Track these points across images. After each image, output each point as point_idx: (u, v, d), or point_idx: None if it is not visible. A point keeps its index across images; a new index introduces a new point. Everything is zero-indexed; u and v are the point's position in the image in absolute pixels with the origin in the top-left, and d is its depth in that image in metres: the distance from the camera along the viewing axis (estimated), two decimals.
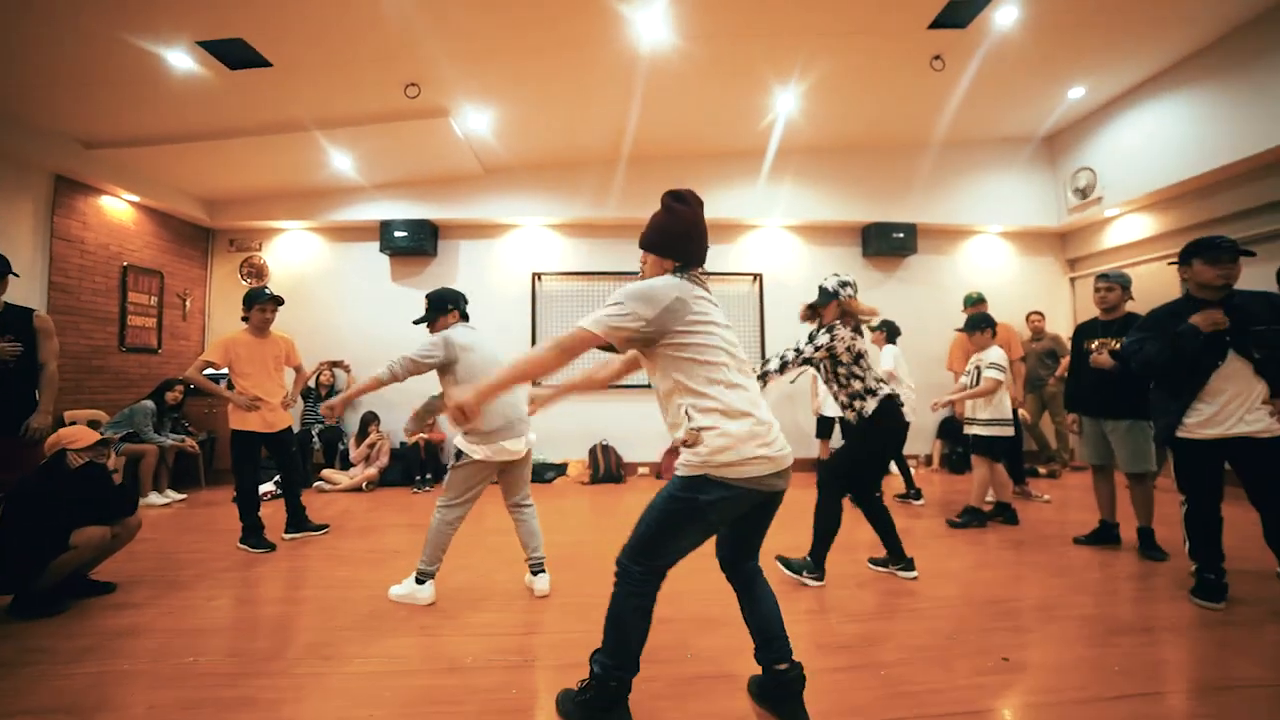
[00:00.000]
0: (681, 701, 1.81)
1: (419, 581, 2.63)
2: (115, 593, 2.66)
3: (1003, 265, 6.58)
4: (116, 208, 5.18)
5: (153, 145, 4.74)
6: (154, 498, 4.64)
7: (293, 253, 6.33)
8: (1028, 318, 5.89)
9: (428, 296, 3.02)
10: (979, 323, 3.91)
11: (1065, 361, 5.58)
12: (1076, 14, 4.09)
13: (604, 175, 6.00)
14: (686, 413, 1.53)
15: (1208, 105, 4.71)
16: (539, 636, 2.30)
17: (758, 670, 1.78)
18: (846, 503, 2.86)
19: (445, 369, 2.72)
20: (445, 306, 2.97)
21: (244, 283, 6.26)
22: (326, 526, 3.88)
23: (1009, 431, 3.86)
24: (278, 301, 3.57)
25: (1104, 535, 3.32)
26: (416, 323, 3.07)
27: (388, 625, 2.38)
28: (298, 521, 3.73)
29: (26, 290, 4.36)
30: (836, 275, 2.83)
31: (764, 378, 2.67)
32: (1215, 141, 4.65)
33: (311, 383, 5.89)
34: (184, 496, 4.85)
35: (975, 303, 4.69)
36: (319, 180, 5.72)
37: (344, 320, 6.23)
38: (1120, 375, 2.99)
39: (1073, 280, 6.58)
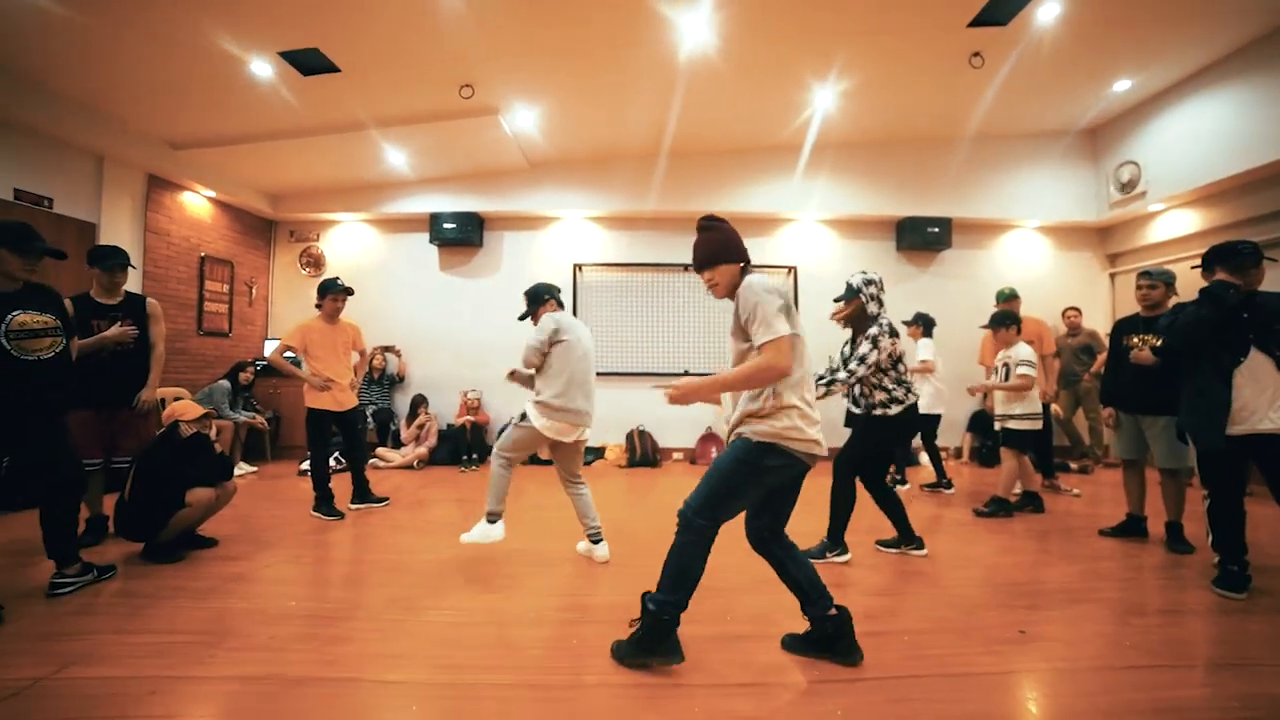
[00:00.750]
0: (725, 652, 2.04)
1: (490, 521, 2.93)
2: (218, 547, 3.04)
3: (1039, 260, 6.55)
4: (195, 203, 5.62)
5: (227, 145, 5.13)
6: None
7: (347, 243, 6.72)
8: (1064, 313, 5.88)
9: (526, 293, 3.22)
10: (1002, 320, 4.01)
11: (1102, 357, 5.58)
12: (1123, 7, 4.08)
13: (643, 170, 6.19)
14: (775, 390, 1.78)
15: (1257, 99, 4.63)
16: (589, 597, 2.55)
17: (792, 628, 2.00)
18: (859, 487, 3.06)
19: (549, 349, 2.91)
20: (543, 298, 3.18)
21: (303, 272, 6.68)
22: (387, 499, 4.22)
23: (1038, 425, 3.94)
24: (348, 292, 3.90)
25: (1131, 528, 3.40)
26: (521, 318, 3.30)
27: (452, 584, 2.67)
28: (362, 493, 4.07)
29: (129, 281, 4.81)
30: (864, 273, 2.98)
31: (828, 390, 2.89)
32: (1264, 136, 4.58)
33: (366, 367, 6.28)
34: (255, 469, 5.30)
35: (1007, 299, 4.73)
36: (373, 175, 6.06)
37: (395, 307, 6.60)
38: (1160, 371, 3.05)
39: (1112, 276, 6.51)
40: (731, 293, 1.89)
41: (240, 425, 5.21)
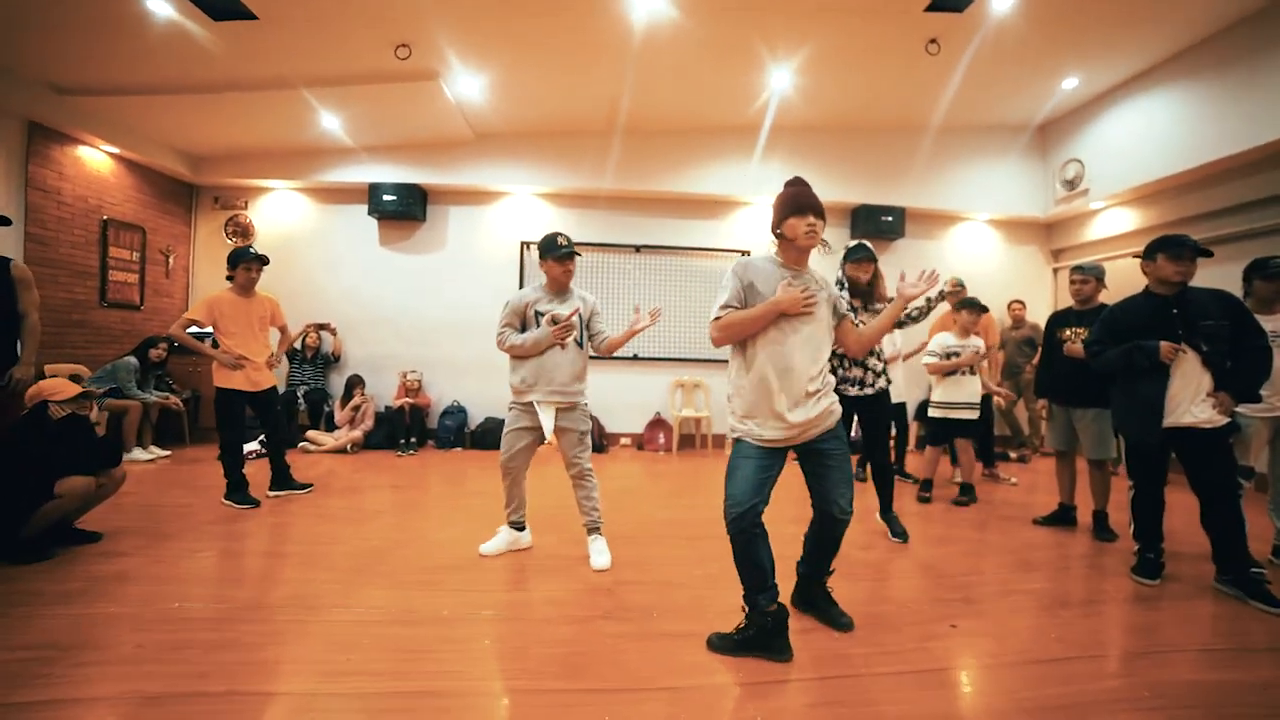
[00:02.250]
0: (647, 653, 1.92)
1: (517, 529, 2.86)
2: (102, 542, 2.72)
3: (988, 253, 6.67)
4: (95, 159, 5.07)
5: (132, 95, 4.63)
6: (137, 453, 4.67)
7: (279, 212, 6.25)
8: (1009, 306, 5.99)
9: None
10: (967, 304, 4.08)
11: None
12: (1075, 2, 4.09)
13: (597, 146, 5.95)
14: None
15: (1197, 101, 4.76)
16: (515, 593, 2.40)
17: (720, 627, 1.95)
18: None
19: None
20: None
21: (229, 241, 6.18)
22: (310, 485, 3.94)
23: (961, 415, 4.00)
24: (263, 261, 3.57)
25: (1062, 517, 3.48)
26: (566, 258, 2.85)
27: (366, 578, 2.46)
28: (282, 479, 3.79)
29: (4, 241, 4.29)
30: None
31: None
32: (1202, 138, 4.71)
33: (298, 344, 5.88)
34: (168, 453, 4.89)
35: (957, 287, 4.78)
36: (306, 140, 5.62)
37: (331, 282, 6.20)
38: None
39: (1055, 271, 6.69)
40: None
41: (150, 406, 4.79)
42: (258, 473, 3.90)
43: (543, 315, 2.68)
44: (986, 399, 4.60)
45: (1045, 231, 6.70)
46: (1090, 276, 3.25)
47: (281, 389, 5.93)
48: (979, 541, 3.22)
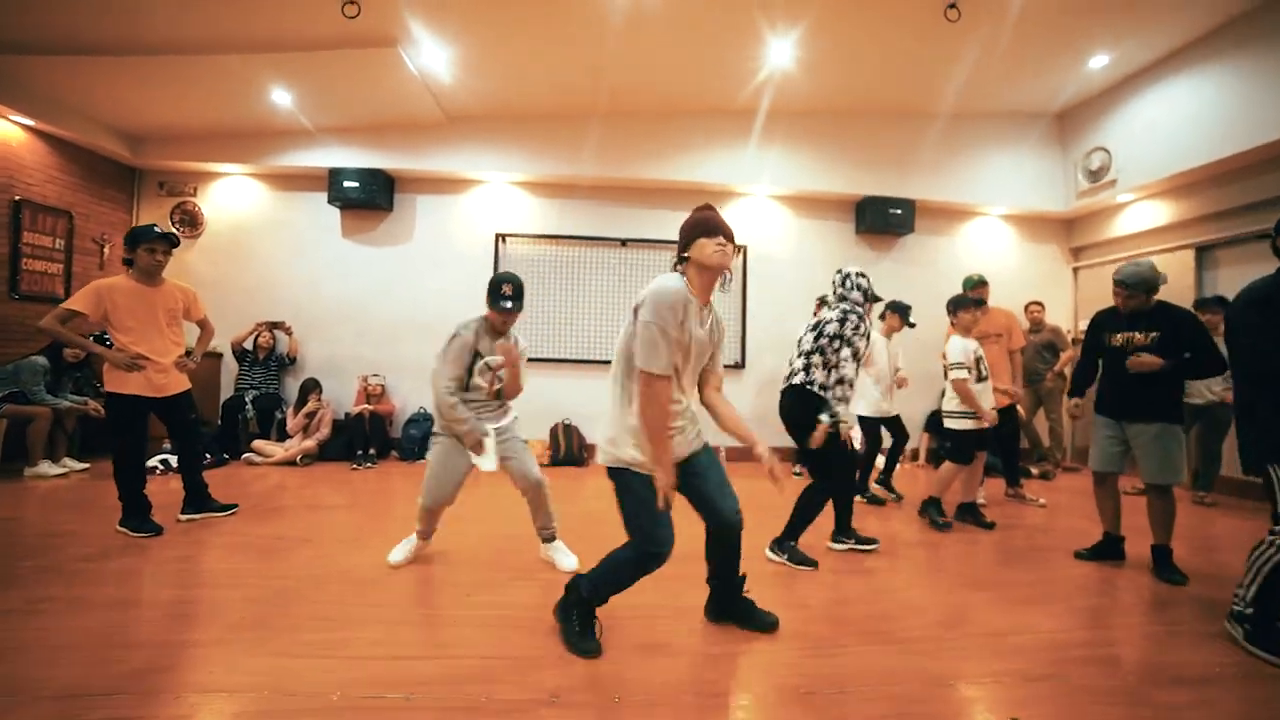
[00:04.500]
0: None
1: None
2: None
3: (1003, 250, 6.17)
4: (3, 130, 4.49)
5: (40, 55, 4.06)
6: (44, 467, 4.08)
7: (231, 200, 5.70)
8: (1026, 308, 5.50)
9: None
10: (954, 304, 3.58)
11: (1066, 355, 5.23)
12: None
13: (580, 131, 5.44)
14: None
15: (1237, 81, 4.29)
16: (436, 661, 1.85)
17: None
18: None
19: None
20: None
21: (175, 230, 5.62)
22: (235, 506, 3.38)
23: (973, 424, 3.49)
24: (169, 241, 3.01)
25: (1108, 549, 2.95)
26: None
27: (249, 640, 1.91)
28: (198, 500, 3.23)
29: None
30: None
31: None
32: (1243, 122, 4.24)
33: (249, 344, 5.34)
34: (86, 466, 4.30)
35: (975, 286, 4.26)
36: (258, 118, 5.09)
37: (287, 277, 5.65)
38: (1161, 375, 2.64)
39: (1075, 270, 6.20)
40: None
41: (63, 412, 4.21)
42: (165, 491, 3.34)
43: (481, 358, 2.56)
44: (1012, 407, 4.09)
45: (1065, 227, 6.21)
46: (1137, 292, 2.74)
47: (228, 394, 5.40)
48: (1016, 584, 2.67)
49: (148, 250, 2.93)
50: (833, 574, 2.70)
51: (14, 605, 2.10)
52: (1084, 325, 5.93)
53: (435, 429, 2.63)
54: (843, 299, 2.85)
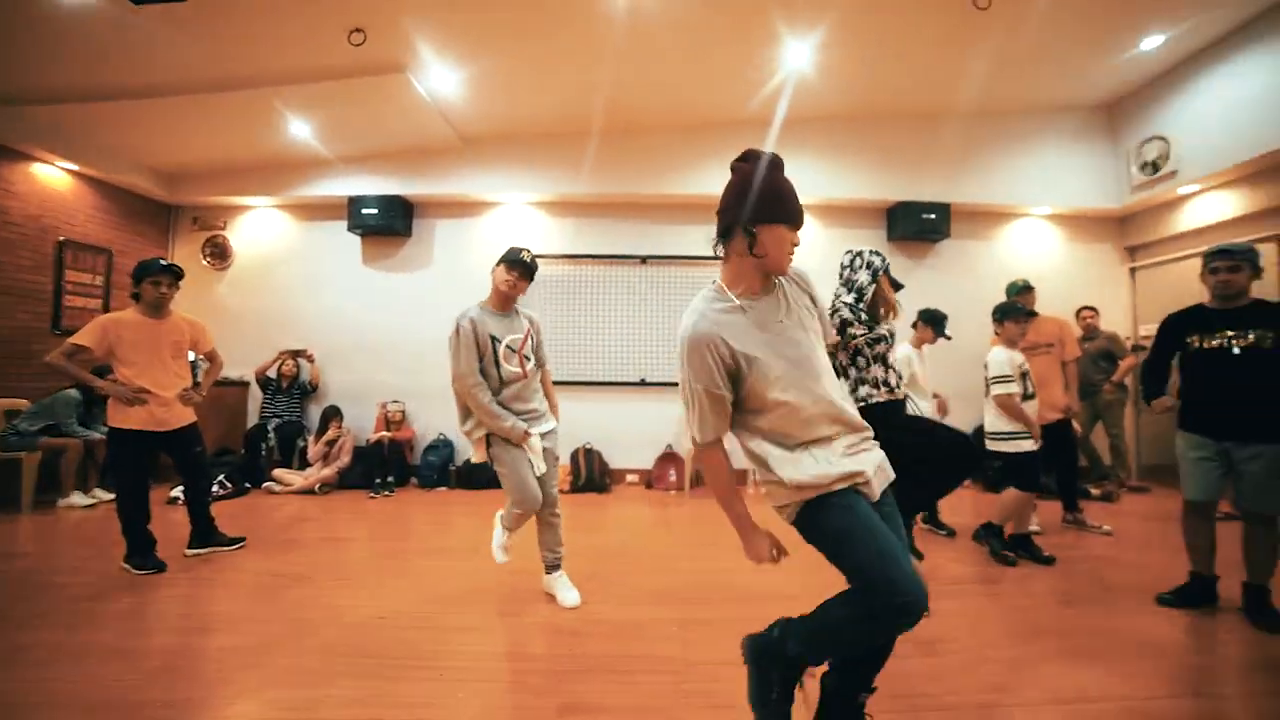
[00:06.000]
0: None
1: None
2: None
3: (1050, 253, 5.73)
4: (50, 175, 4.72)
5: (75, 103, 4.25)
6: (76, 498, 4.17)
7: (258, 232, 5.84)
8: (1079, 314, 5.06)
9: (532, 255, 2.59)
10: (1001, 313, 3.24)
11: (1125, 363, 4.76)
12: None
13: (595, 148, 5.35)
14: None
15: None
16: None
17: None
18: None
19: None
20: None
21: (205, 263, 5.80)
22: (242, 540, 3.33)
23: (1025, 445, 3.13)
24: (174, 274, 3.01)
25: (1199, 593, 2.52)
26: (522, 274, 2.60)
27: (220, 699, 1.78)
28: (204, 535, 3.19)
29: None
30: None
31: None
32: None
33: (272, 373, 5.41)
34: (114, 497, 4.36)
35: (1020, 292, 3.91)
36: (279, 150, 5.20)
37: (310, 305, 5.72)
38: (1273, 386, 2.27)
39: (1133, 271, 5.69)
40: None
41: (94, 444, 4.30)
42: (179, 523, 3.31)
43: (499, 342, 2.44)
44: (1067, 422, 3.70)
45: (1118, 226, 5.73)
46: (1241, 262, 2.36)
47: (251, 421, 5.47)
48: (1092, 634, 2.29)
49: (152, 284, 2.94)
50: None
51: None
52: (1144, 331, 5.47)
53: (483, 435, 2.45)
54: (848, 283, 2.50)
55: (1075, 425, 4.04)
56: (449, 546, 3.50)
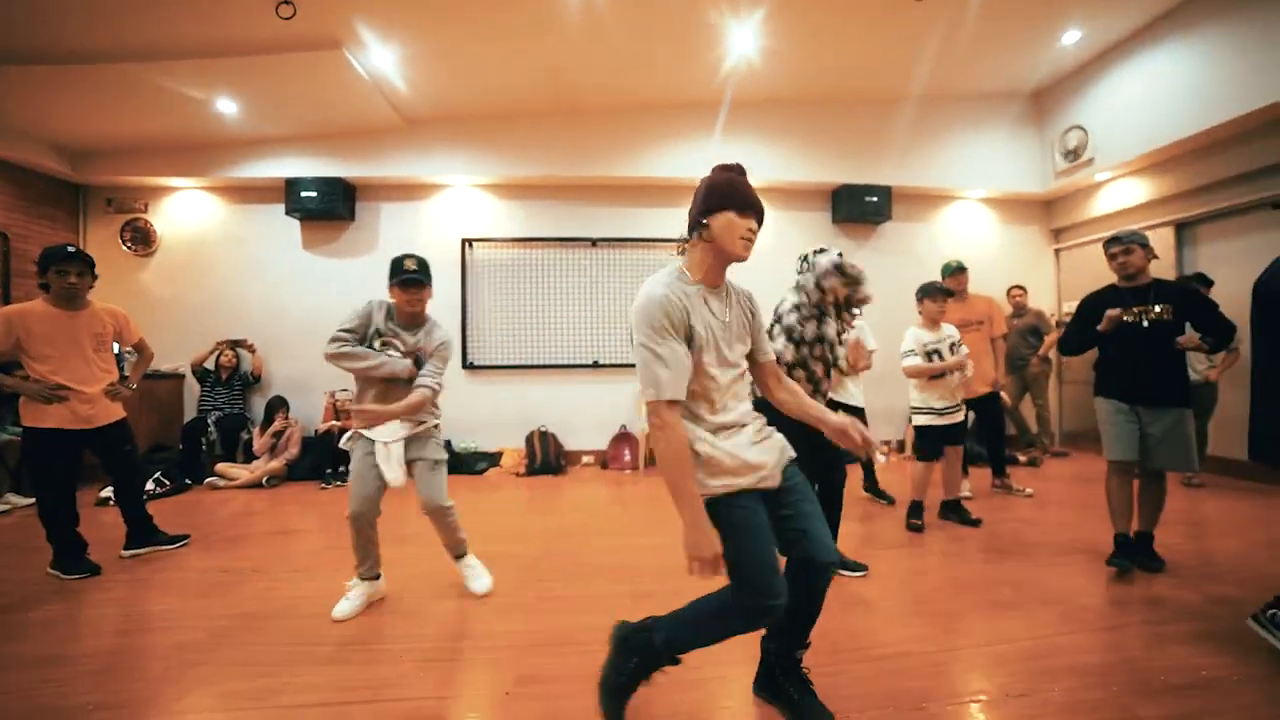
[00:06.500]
0: None
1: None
2: None
3: (984, 235, 6.06)
4: None
5: None
6: None
7: (185, 215, 5.50)
8: (1009, 291, 5.41)
9: (420, 261, 2.45)
10: (922, 292, 3.44)
11: (1050, 339, 5.13)
12: None
13: (542, 130, 5.28)
14: None
15: (1211, 54, 4.19)
16: (369, 707, 1.69)
17: None
18: None
19: None
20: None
21: (126, 249, 5.43)
22: (186, 537, 3.20)
23: (933, 419, 3.39)
24: (82, 261, 2.80)
25: (1135, 551, 2.66)
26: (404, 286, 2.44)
27: (177, 690, 1.75)
28: (141, 534, 3.05)
29: None
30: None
31: None
32: (1219, 95, 4.14)
33: (210, 364, 5.15)
34: (31, 501, 4.09)
35: (954, 273, 4.13)
36: (206, 128, 4.88)
37: (248, 293, 5.45)
38: (1173, 355, 2.53)
39: (1057, 252, 6.09)
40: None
41: (2, 445, 4.00)
42: (114, 525, 3.15)
43: (382, 338, 2.40)
44: (996, 395, 3.97)
45: (1045, 209, 6.11)
46: (1133, 244, 2.60)
47: (190, 414, 5.21)
48: (1011, 587, 2.51)
49: (57, 273, 2.72)
50: None
51: None
52: (1068, 308, 5.88)
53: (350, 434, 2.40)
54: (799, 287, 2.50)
55: (1004, 397, 4.33)
56: (405, 534, 3.47)
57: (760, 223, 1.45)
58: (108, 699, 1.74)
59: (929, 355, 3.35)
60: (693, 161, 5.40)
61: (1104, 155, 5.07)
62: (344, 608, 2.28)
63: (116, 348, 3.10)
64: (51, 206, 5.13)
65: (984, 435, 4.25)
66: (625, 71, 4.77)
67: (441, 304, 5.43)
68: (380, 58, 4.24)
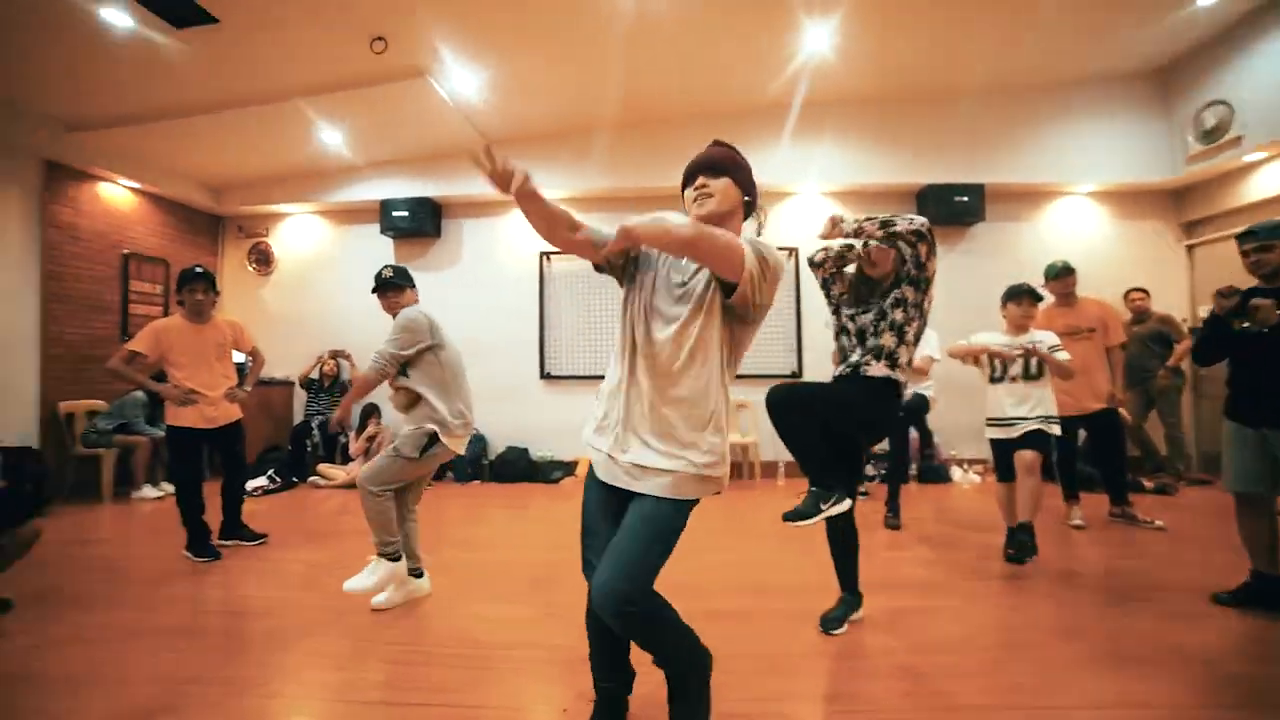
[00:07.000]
0: None
1: (393, 558, 2.48)
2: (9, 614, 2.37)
3: (1095, 232, 5.44)
4: (115, 195, 5.11)
5: (133, 125, 4.54)
6: (147, 490, 4.56)
7: (297, 238, 6.13)
8: (1127, 296, 4.80)
9: (395, 269, 2.87)
10: (1004, 297, 3.16)
11: (1181, 347, 4.49)
12: None
13: (618, 142, 5.39)
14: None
15: None
16: (433, 710, 1.76)
17: None
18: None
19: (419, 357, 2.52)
20: (412, 281, 2.88)
21: (251, 269, 6.12)
22: (264, 537, 3.43)
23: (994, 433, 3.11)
24: (207, 280, 3.19)
25: (1257, 592, 2.33)
26: (374, 291, 2.87)
27: (260, 674, 1.91)
28: (231, 527, 3.38)
29: (20, 279, 4.32)
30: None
31: None
32: None
33: (315, 374, 5.69)
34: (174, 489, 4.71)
35: (1058, 274, 3.72)
36: (315, 159, 5.43)
37: (347, 307, 5.96)
38: None
39: (1190, 248, 5.34)
40: (721, 220, 1.38)
41: (159, 441, 4.63)
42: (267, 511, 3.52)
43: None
44: (1113, 411, 3.53)
45: (1173, 200, 5.38)
46: (1269, 240, 2.21)
47: (297, 419, 5.76)
48: (1126, 637, 2.20)
49: (189, 291, 3.14)
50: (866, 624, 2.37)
51: (70, 633, 2.24)
52: (1204, 313, 5.12)
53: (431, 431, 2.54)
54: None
55: (1124, 414, 3.84)
56: (480, 537, 3.63)
57: (702, 175, 1.41)
58: (205, 673, 1.93)
59: (992, 360, 3.04)
60: (770, 166, 5.26)
61: (1254, 132, 4.38)
62: (380, 598, 2.42)
63: (240, 356, 3.49)
64: (199, 235, 5.93)
65: (1098, 456, 3.78)
66: (691, 78, 4.76)
67: (520, 316, 5.69)
68: (461, 81, 4.51)
